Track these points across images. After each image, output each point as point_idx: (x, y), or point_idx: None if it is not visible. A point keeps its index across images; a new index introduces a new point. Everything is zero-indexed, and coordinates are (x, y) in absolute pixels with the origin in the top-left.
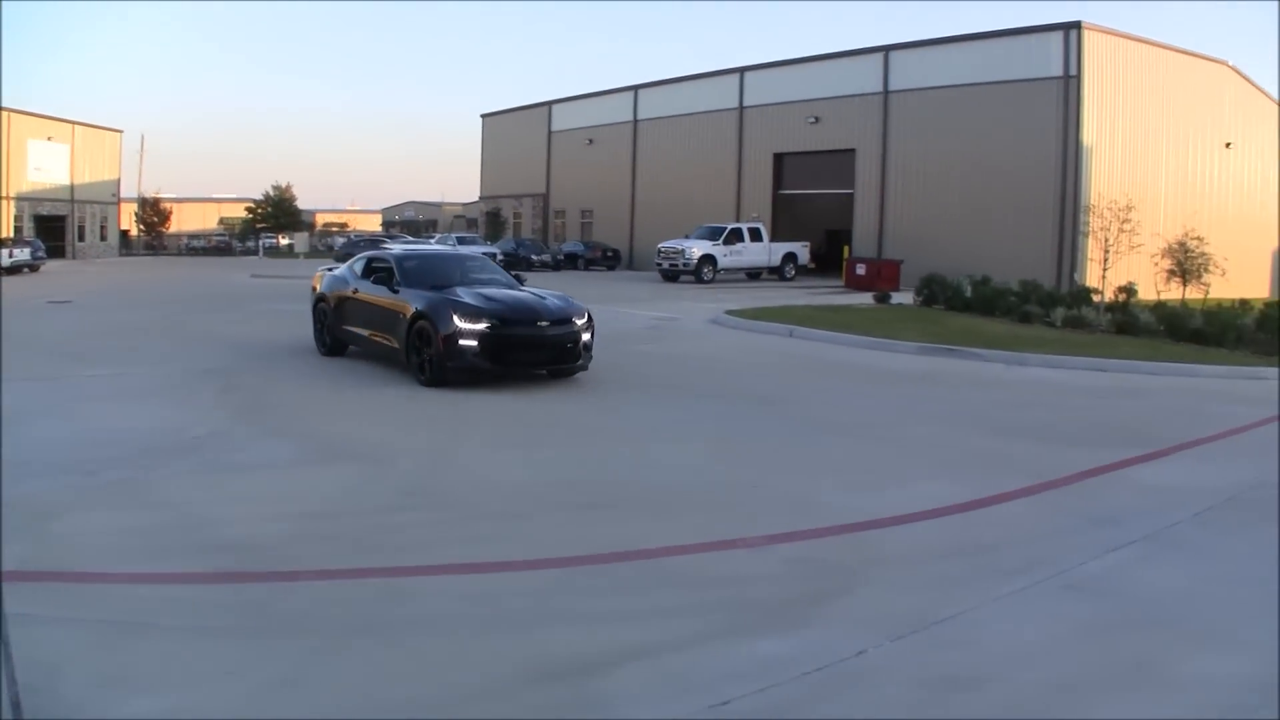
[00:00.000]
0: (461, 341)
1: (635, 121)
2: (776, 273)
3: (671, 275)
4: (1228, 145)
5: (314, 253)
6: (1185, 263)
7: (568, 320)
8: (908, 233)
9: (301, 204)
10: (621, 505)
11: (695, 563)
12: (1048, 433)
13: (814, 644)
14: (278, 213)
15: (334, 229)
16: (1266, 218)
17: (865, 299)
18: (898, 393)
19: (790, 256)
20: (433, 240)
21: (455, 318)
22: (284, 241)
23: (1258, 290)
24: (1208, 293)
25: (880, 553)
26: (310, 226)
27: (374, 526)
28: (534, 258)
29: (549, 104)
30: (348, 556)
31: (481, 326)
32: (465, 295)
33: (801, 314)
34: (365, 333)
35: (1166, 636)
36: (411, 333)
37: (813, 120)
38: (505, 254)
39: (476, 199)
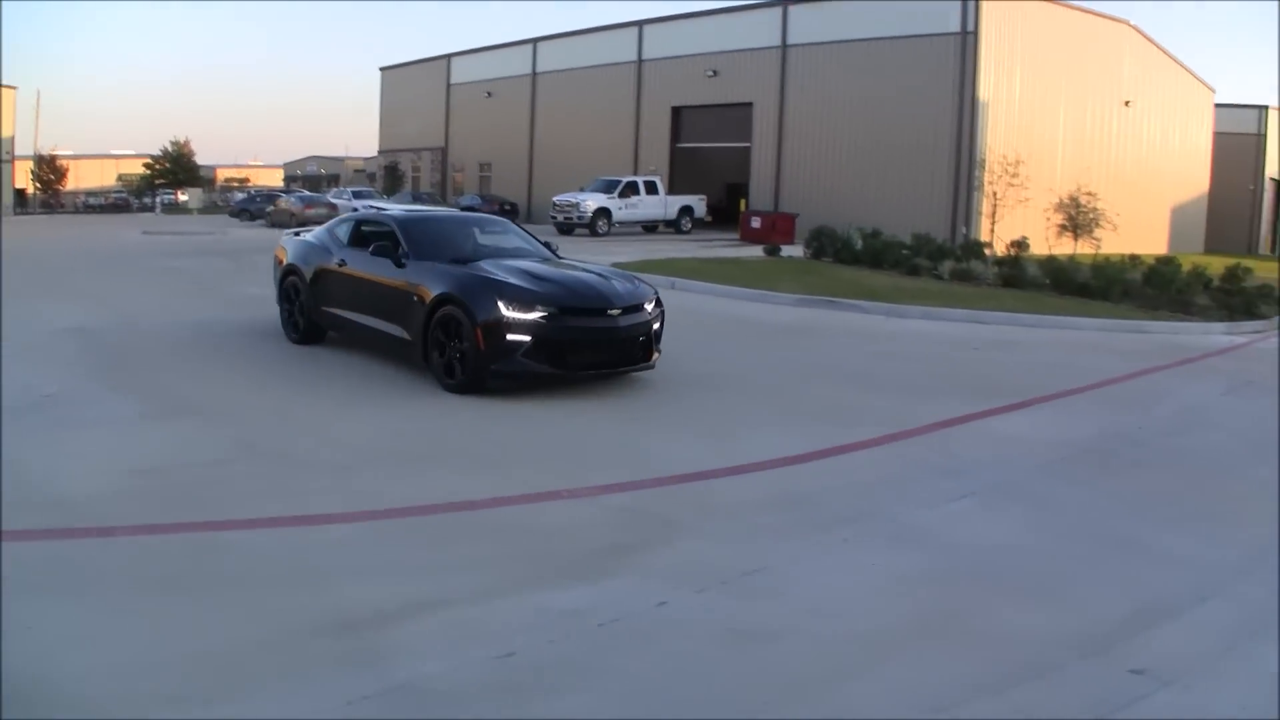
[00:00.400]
0: (510, 336)
1: (534, 74)
2: (673, 226)
3: (566, 228)
4: (1127, 103)
5: (210, 208)
6: (1077, 218)
7: (639, 307)
8: (804, 187)
9: (204, 160)
10: (452, 459)
11: (517, 514)
12: (912, 384)
13: (616, 595)
14: (176, 168)
15: (234, 184)
16: (1165, 174)
17: (756, 252)
18: (768, 345)
19: (686, 210)
20: (328, 195)
21: (500, 304)
22: (182, 198)
23: (1155, 246)
24: (1099, 247)
25: (709, 503)
26: (211, 182)
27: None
28: None
29: (448, 57)
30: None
31: (536, 316)
32: (502, 273)
33: (687, 266)
34: (358, 318)
35: (984, 589)
36: (433, 322)
37: (711, 74)
38: None
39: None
